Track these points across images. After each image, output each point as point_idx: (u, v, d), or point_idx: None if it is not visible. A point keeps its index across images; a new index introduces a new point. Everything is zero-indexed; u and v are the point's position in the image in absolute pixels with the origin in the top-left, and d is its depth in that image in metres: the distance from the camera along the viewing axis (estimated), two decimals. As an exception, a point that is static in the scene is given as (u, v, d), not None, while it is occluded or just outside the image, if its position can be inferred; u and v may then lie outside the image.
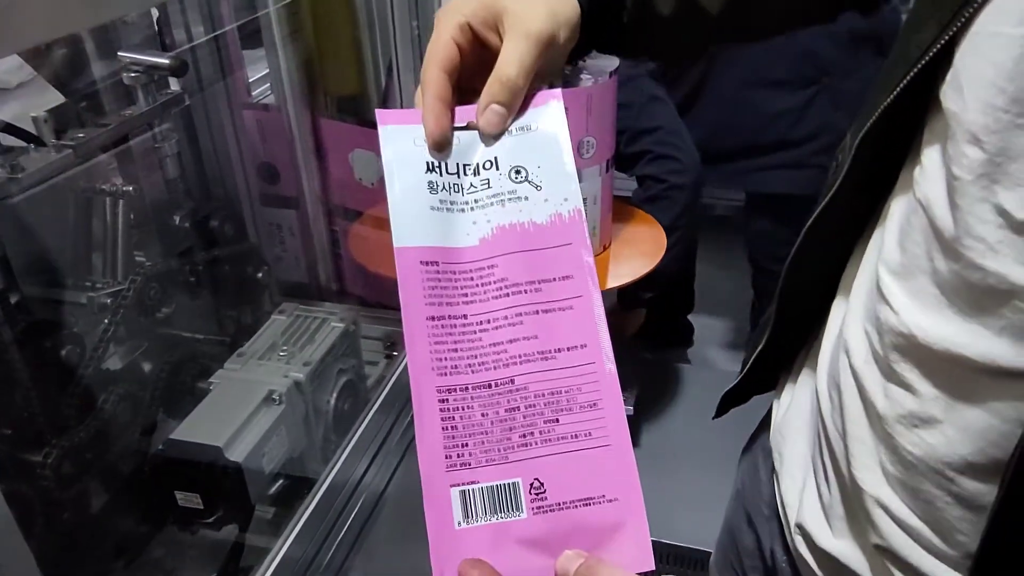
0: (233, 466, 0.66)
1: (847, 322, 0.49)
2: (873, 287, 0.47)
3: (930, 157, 0.43)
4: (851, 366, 0.48)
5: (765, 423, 0.71)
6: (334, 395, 0.80)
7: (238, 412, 0.69)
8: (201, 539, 0.72)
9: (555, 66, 0.47)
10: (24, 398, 0.67)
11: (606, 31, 0.52)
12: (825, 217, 0.52)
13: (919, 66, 0.42)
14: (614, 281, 1.17)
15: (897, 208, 0.47)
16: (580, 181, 1.23)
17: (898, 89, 0.43)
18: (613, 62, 1.11)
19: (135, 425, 0.75)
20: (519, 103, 0.44)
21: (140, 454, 0.72)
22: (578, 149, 1.16)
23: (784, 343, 0.63)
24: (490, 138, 0.43)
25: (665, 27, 0.55)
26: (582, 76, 1.05)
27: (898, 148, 0.48)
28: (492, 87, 0.43)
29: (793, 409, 0.61)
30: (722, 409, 0.70)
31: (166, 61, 0.84)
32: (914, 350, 0.43)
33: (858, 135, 0.48)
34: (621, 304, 1.63)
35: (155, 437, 0.75)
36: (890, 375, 0.45)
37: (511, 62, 0.43)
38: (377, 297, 1.09)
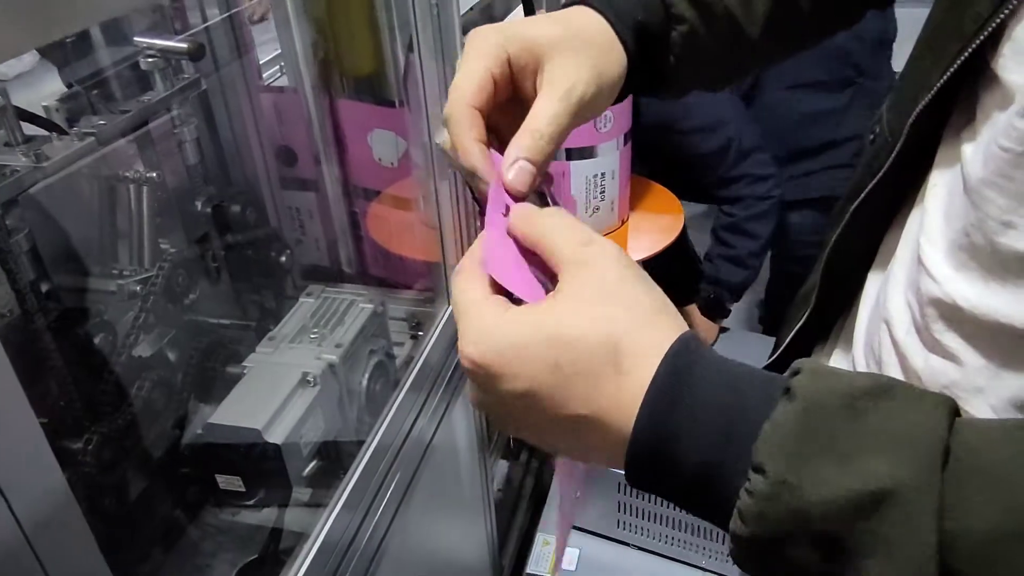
0: (272, 448, 0.66)
1: (888, 294, 0.49)
2: (914, 259, 0.47)
3: (980, 131, 0.42)
4: (892, 337, 0.48)
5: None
6: (366, 376, 0.81)
7: (275, 395, 0.70)
8: (241, 519, 0.73)
9: (586, 121, 0.46)
10: (61, 386, 0.67)
11: (653, 75, 0.51)
12: (873, 196, 0.52)
13: (979, 40, 0.41)
14: (632, 255, 1.16)
15: (941, 181, 0.46)
16: (596, 156, 1.23)
17: (956, 65, 0.43)
18: (629, 34, 1.10)
19: (170, 411, 0.76)
20: (548, 164, 0.43)
21: (178, 439, 0.72)
22: (594, 123, 1.15)
23: (823, 318, 0.64)
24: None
25: (712, 60, 0.54)
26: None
27: (942, 123, 0.48)
28: (523, 140, 0.41)
29: None
30: None
31: (183, 45, 0.84)
32: (959, 320, 0.43)
33: (911, 113, 0.47)
34: (706, 313, 1.63)
35: (189, 422, 0.76)
36: (933, 346, 0.45)
37: (546, 119, 0.41)
38: (399, 277, 1.09)
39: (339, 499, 0.70)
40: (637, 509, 1.33)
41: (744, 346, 1.67)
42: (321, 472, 0.78)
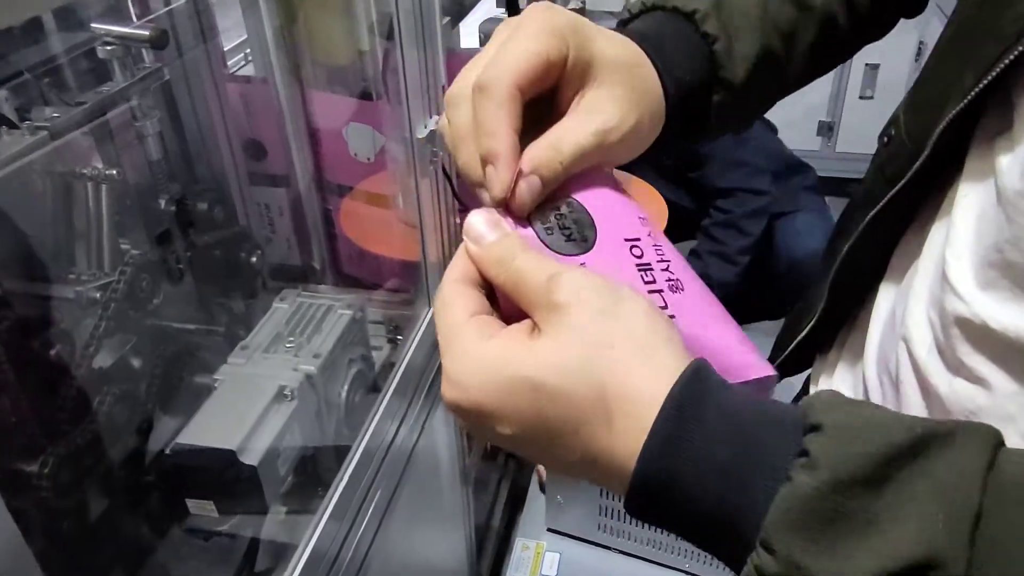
0: (248, 470, 0.61)
1: (908, 310, 0.46)
2: (939, 274, 0.44)
3: (1021, 140, 0.39)
4: (912, 356, 0.45)
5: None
6: (345, 387, 0.76)
7: (249, 411, 0.65)
8: (214, 544, 0.68)
9: (614, 161, 0.41)
10: (14, 403, 0.62)
11: (685, 127, 0.47)
12: (891, 205, 0.49)
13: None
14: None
15: (972, 193, 0.43)
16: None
17: (997, 70, 0.39)
18: (612, 25, 1.06)
19: (134, 426, 0.70)
20: (558, 185, 0.38)
21: (144, 459, 0.67)
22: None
23: (827, 328, 0.61)
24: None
25: (750, 110, 0.51)
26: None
27: (969, 129, 0.45)
28: (542, 152, 0.37)
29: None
30: None
31: (145, 32, 0.78)
32: (988, 342, 0.40)
33: (937, 120, 0.44)
34: None
35: (155, 438, 0.70)
36: (958, 368, 0.42)
37: (572, 145, 0.37)
38: (376, 278, 1.04)
39: (325, 510, 0.66)
40: (619, 513, 1.30)
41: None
42: (299, 488, 0.74)
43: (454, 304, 0.35)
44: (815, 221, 1.70)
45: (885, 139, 0.53)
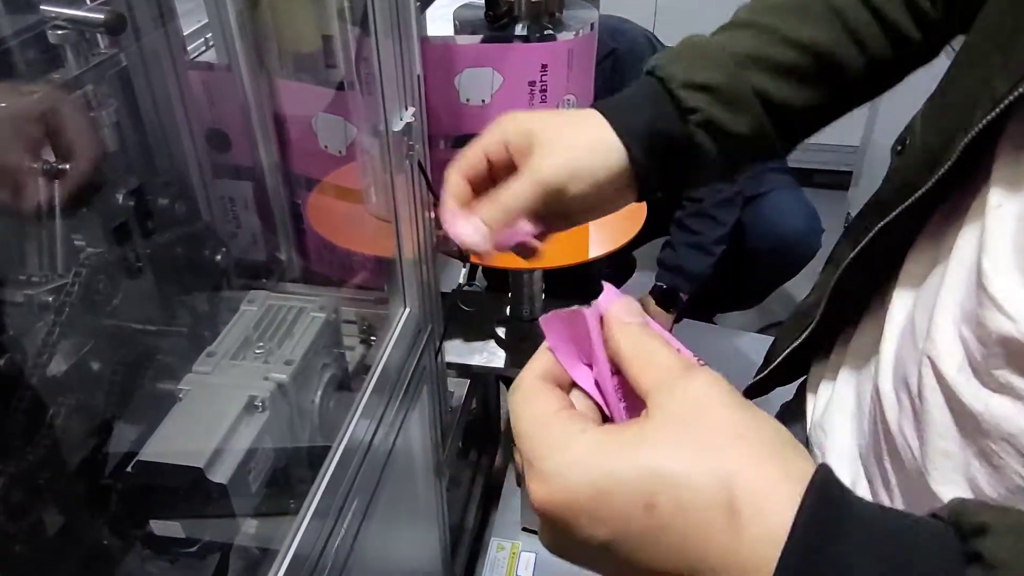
0: (217, 488, 0.57)
1: (936, 324, 0.44)
2: (971, 287, 0.41)
3: None
4: (939, 374, 0.43)
5: (789, 416, 0.67)
6: (319, 393, 0.72)
7: (217, 424, 0.60)
8: (180, 565, 0.64)
9: (567, 213, 0.50)
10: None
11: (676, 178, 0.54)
12: (907, 213, 0.47)
13: None
14: (597, 249, 1.10)
15: (1007, 203, 0.41)
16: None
17: None
18: (593, 13, 1.02)
19: (92, 440, 0.66)
20: (502, 230, 0.48)
21: (103, 477, 0.63)
22: (557, 108, 1.08)
23: (824, 336, 0.60)
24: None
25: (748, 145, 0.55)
26: (564, 27, 0.97)
27: (993, 140, 0.43)
28: (485, 204, 0.48)
29: (835, 403, 0.57)
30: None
31: (100, 16, 0.72)
32: None
33: (965, 128, 0.41)
34: (661, 303, 1.60)
35: (116, 453, 0.66)
36: (997, 388, 0.39)
37: (511, 193, 0.48)
38: (347, 275, 1.00)
39: (304, 519, 0.62)
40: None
41: (734, 345, 1.64)
42: (271, 500, 0.70)
43: (537, 399, 0.32)
44: (790, 200, 1.68)
45: (899, 148, 0.51)
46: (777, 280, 1.78)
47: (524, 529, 1.35)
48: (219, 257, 0.87)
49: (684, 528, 0.27)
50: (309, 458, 0.74)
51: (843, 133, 2.34)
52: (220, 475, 0.58)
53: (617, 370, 0.33)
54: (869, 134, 2.10)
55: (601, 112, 0.51)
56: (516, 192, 0.47)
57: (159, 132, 0.89)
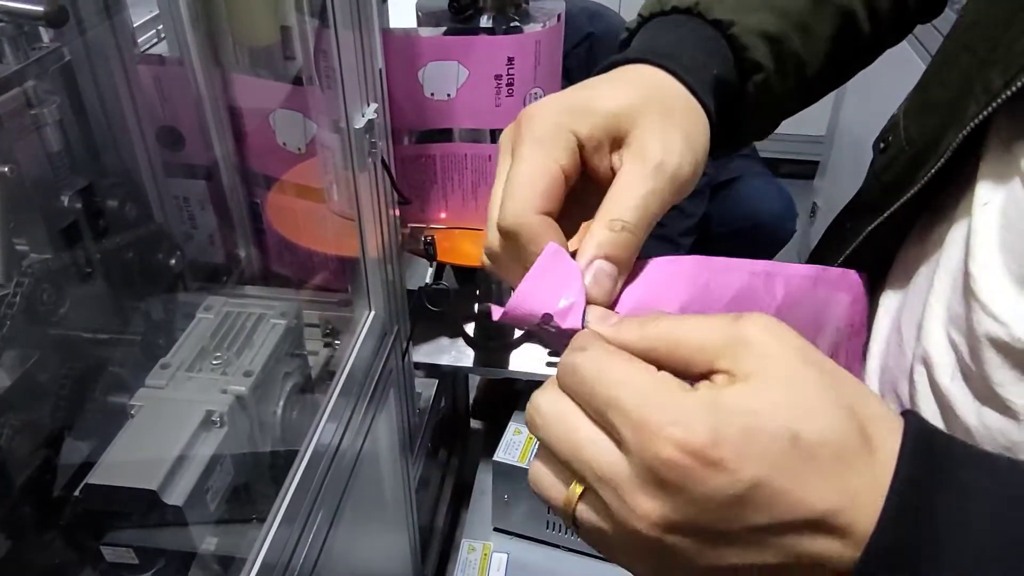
0: (173, 511, 0.54)
1: (927, 330, 0.42)
2: (958, 290, 0.40)
3: None
4: (932, 381, 0.41)
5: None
6: (281, 404, 0.69)
7: (171, 442, 0.57)
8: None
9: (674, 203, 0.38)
10: None
11: (727, 134, 0.44)
12: (897, 213, 0.45)
13: None
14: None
15: (993, 199, 0.39)
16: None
17: None
18: (560, 4, 1.00)
19: (37, 461, 0.62)
20: (634, 258, 0.35)
21: (50, 501, 0.59)
22: (524, 102, 1.05)
23: None
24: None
25: (776, 109, 0.48)
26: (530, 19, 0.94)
27: (981, 136, 0.41)
28: (600, 233, 0.33)
29: None
30: None
31: (39, 8, 0.68)
32: None
33: (956, 125, 0.40)
34: None
35: (64, 474, 0.62)
36: (989, 397, 0.38)
37: (632, 203, 0.33)
38: (309, 277, 0.96)
39: (271, 525, 0.59)
40: (568, 509, 1.26)
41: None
42: (231, 517, 0.67)
43: (620, 358, 0.30)
44: (764, 183, 1.68)
45: (882, 145, 0.49)
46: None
47: (496, 529, 1.33)
48: (173, 261, 0.83)
49: (829, 456, 0.27)
50: (272, 471, 0.71)
51: (809, 123, 2.35)
52: (175, 496, 0.55)
53: None
54: (835, 123, 2.10)
55: (660, 67, 0.39)
56: (639, 195, 0.34)
57: (107, 130, 0.84)
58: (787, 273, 0.39)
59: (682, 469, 0.26)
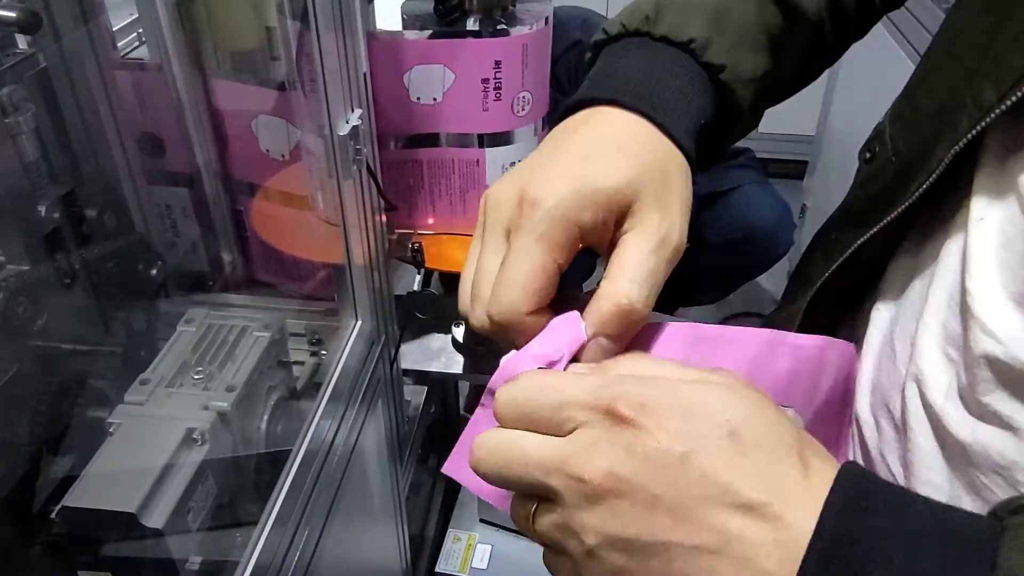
0: (152, 533, 0.53)
1: (920, 348, 0.41)
2: (954, 306, 0.39)
3: None
4: (925, 400, 0.40)
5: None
6: (265, 418, 0.67)
7: (150, 462, 0.55)
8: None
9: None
10: None
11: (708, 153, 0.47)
12: (886, 228, 0.44)
13: None
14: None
15: (989, 215, 0.38)
16: (513, 142, 1.12)
17: None
18: (547, 6, 0.98)
19: (12, 482, 0.60)
20: (633, 335, 0.35)
21: (26, 524, 0.57)
22: (511, 106, 1.04)
23: None
24: None
25: (757, 116, 0.50)
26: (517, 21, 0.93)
27: (975, 148, 0.40)
28: (603, 310, 0.34)
29: None
30: None
31: (11, 14, 0.66)
32: None
33: (948, 138, 0.39)
34: None
35: (42, 493, 0.60)
36: (984, 415, 0.37)
37: (637, 279, 0.34)
38: (294, 284, 0.95)
39: (260, 538, 0.58)
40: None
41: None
42: (214, 538, 0.65)
43: (550, 374, 0.34)
44: (762, 194, 1.67)
45: (868, 155, 0.48)
46: (747, 275, 1.77)
47: (482, 520, 1.32)
48: (154, 271, 0.82)
49: (763, 457, 0.28)
50: (257, 487, 0.69)
51: (798, 122, 2.34)
52: (155, 519, 0.53)
53: None
54: (824, 123, 2.10)
55: (647, 117, 0.39)
56: (645, 271, 0.34)
57: (86, 138, 0.82)
58: (791, 343, 0.39)
59: (630, 425, 0.29)
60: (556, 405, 0.31)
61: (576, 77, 1.48)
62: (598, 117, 0.40)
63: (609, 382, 0.31)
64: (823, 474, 0.29)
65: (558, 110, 0.43)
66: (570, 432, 0.31)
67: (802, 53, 0.49)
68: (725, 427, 0.28)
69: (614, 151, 0.37)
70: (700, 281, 1.78)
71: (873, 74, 1.47)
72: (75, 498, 0.53)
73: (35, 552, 0.56)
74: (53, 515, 0.53)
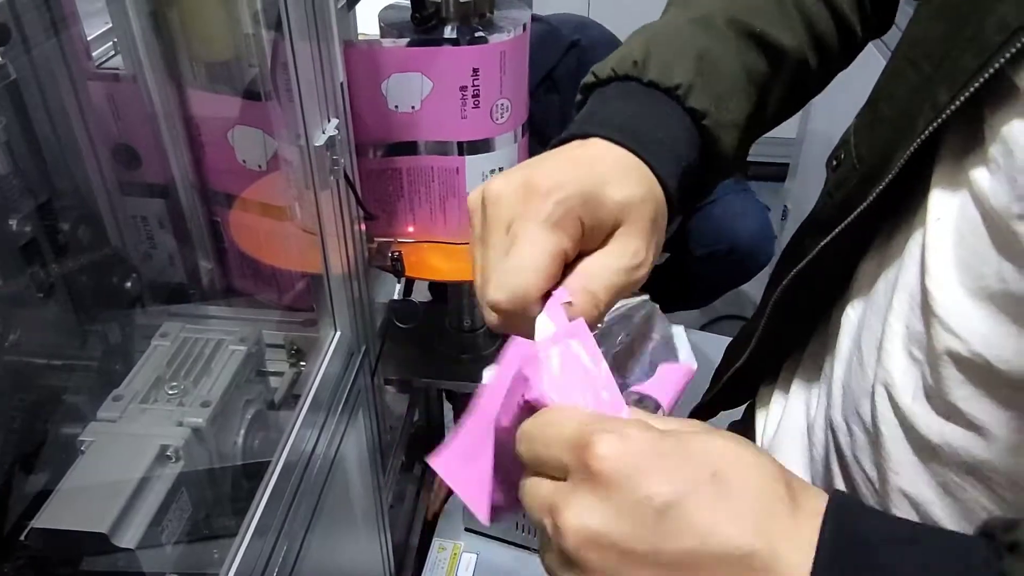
0: (124, 555, 0.52)
1: (887, 351, 0.41)
2: (916, 307, 0.39)
3: (995, 156, 0.35)
4: (895, 403, 0.40)
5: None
6: (242, 433, 0.67)
7: (123, 480, 0.55)
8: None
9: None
10: None
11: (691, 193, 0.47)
12: (848, 231, 0.45)
13: (1011, 52, 0.33)
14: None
15: (945, 215, 0.39)
16: (493, 149, 1.12)
17: (978, 82, 0.35)
18: (526, 13, 0.98)
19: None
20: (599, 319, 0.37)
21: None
22: (491, 113, 1.03)
23: (768, 357, 0.57)
24: None
25: (741, 157, 0.50)
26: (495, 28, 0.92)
27: (932, 150, 0.40)
28: (576, 296, 0.36)
29: (784, 426, 0.55)
30: None
31: (-21, 26, 0.65)
32: (991, 384, 0.35)
33: (904, 141, 0.39)
34: None
35: (13, 514, 0.59)
36: (951, 415, 0.37)
37: (604, 286, 0.36)
38: (272, 295, 0.94)
39: (236, 555, 0.57)
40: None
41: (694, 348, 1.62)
42: (190, 554, 0.64)
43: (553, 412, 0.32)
44: (744, 203, 1.67)
45: (835, 162, 0.48)
46: (729, 284, 1.77)
47: (467, 530, 1.31)
48: (129, 283, 0.81)
49: (750, 499, 0.27)
50: (234, 502, 0.68)
51: (779, 126, 2.36)
52: (128, 539, 0.52)
53: None
54: (805, 126, 2.11)
55: (638, 155, 0.40)
56: (611, 283, 0.36)
57: (59, 150, 0.81)
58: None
59: (614, 472, 0.28)
60: (549, 440, 0.31)
61: (576, 80, 1.48)
62: (594, 144, 0.41)
63: (590, 428, 0.30)
64: (812, 506, 0.28)
65: (550, 143, 0.43)
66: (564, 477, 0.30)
67: (786, 90, 0.49)
68: (707, 471, 0.28)
69: (619, 170, 0.39)
70: (687, 290, 1.79)
71: (854, 76, 1.48)
72: (46, 519, 0.52)
73: (6, 572, 0.56)
74: (23, 537, 0.52)
